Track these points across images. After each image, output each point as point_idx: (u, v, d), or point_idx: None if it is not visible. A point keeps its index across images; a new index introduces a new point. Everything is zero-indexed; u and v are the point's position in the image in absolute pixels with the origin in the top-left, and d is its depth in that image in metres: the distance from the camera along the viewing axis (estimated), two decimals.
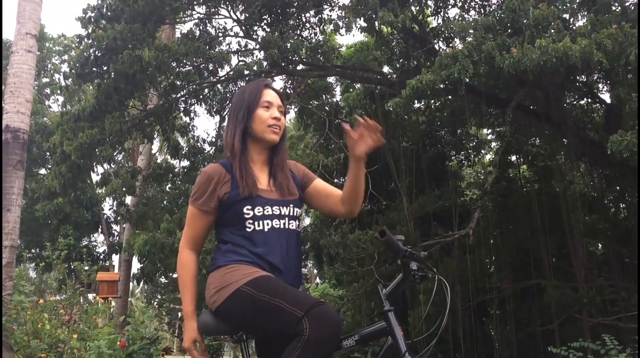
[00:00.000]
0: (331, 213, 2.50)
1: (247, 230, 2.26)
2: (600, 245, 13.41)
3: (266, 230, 2.27)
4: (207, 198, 2.29)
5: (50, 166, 13.48)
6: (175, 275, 21.22)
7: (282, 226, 2.30)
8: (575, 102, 12.51)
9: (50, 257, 17.37)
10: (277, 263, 2.25)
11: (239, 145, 2.35)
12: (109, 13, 9.86)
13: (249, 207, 2.27)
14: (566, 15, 8.60)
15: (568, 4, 8.57)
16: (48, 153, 14.90)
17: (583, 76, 10.77)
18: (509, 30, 8.33)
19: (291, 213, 2.35)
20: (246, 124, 2.37)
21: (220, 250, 2.32)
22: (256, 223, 2.26)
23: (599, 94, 11.91)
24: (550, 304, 10.93)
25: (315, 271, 22.57)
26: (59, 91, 19.48)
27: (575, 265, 10.98)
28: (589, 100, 12.33)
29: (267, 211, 2.28)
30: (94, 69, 10.06)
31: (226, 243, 2.30)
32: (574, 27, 8.32)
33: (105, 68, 10.01)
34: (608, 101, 11.47)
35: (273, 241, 2.27)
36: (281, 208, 2.32)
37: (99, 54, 9.86)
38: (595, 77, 11.17)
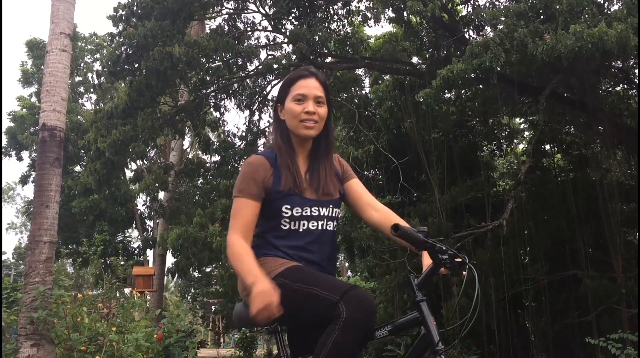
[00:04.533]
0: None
1: (282, 227, 2.27)
2: (638, 235, 13.10)
3: (301, 230, 2.27)
4: (256, 186, 2.24)
5: (85, 164, 13.75)
6: (208, 269, 21.49)
7: (318, 228, 2.30)
8: (610, 89, 12.21)
9: (87, 252, 17.78)
10: (307, 261, 2.26)
11: (281, 141, 2.32)
12: (139, 11, 9.98)
13: (288, 206, 2.25)
14: (600, 0, 8.40)
15: None
16: (83, 151, 15.19)
17: (619, 62, 10.50)
18: (542, 17, 8.17)
19: (330, 214, 2.33)
20: (284, 118, 2.34)
21: (252, 243, 2.31)
22: (292, 223, 2.26)
23: (635, 80, 11.60)
24: (587, 295, 10.72)
25: (346, 264, 22.58)
26: (91, 89, 19.85)
27: (613, 255, 10.75)
28: (625, 86, 12.02)
29: (306, 212, 2.27)
30: (126, 66, 10.21)
31: (258, 238, 2.31)
32: (609, 12, 8.11)
33: (136, 65, 10.15)
34: None
35: (306, 241, 2.28)
36: (320, 208, 2.30)
37: (130, 52, 10.00)
38: (632, 63, 10.88)
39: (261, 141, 12.35)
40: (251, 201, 2.23)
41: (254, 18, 11.38)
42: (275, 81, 11.72)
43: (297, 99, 2.28)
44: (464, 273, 2.12)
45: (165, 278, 18.41)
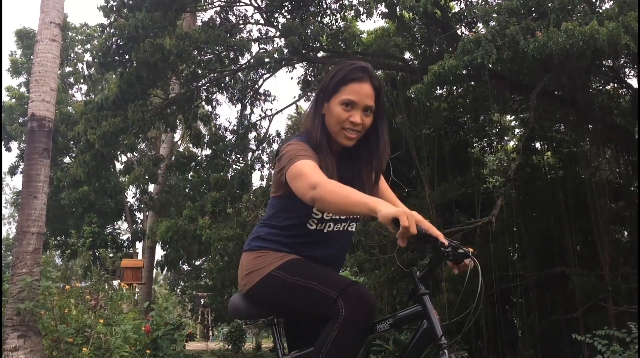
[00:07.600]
0: None
1: (309, 226, 2.17)
2: (626, 233, 13.22)
3: (326, 231, 2.19)
4: (312, 153, 2.04)
5: (74, 155, 13.65)
6: (198, 262, 21.43)
7: (342, 229, 2.22)
8: (601, 87, 12.27)
9: (76, 244, 17.66)
10: (319, 257, 2.20)
11: (322, 137, 2.12)
12: (130, 2, 9.92)
13: None
14: None
15: None
16: (72, 142, 15.10)
17: (609, 60, 10.55)
18: (534, 14, 8.19)
19: (354, 216, 2.23)
20: (324, 113, 2.15)
21: (260, 232, 2.24)
22: (319, 224, 2.17)
23: (625, 79, 11.68)
24: (575, 292, 10.82)
25: None
26: (82, 80, 19.66)
27: (601, 252, 10.83)
28: (616, 85, 12.09)
29: (335, 216, 2.17)
30: (117, 57, 10.14)
31: (273, 228, 2.21)
32: (601, 10, 8.13)
33: (127, 57, 10.08)
34: (635, 85, 11.24)
35: (327, 240, 2.21)
36: None
37: (121, 43, 9.93)
38: (622, 62, 10.94)
39: (252, 135, 12.35)
40: (313, 161, 2.00)
41: (246, 11, 11.36)
42: (267, 75, 11.68)
43: (344, 104, 2.08)
44: (466, 264, 2.03)
45: (155, 270, 18.32)
